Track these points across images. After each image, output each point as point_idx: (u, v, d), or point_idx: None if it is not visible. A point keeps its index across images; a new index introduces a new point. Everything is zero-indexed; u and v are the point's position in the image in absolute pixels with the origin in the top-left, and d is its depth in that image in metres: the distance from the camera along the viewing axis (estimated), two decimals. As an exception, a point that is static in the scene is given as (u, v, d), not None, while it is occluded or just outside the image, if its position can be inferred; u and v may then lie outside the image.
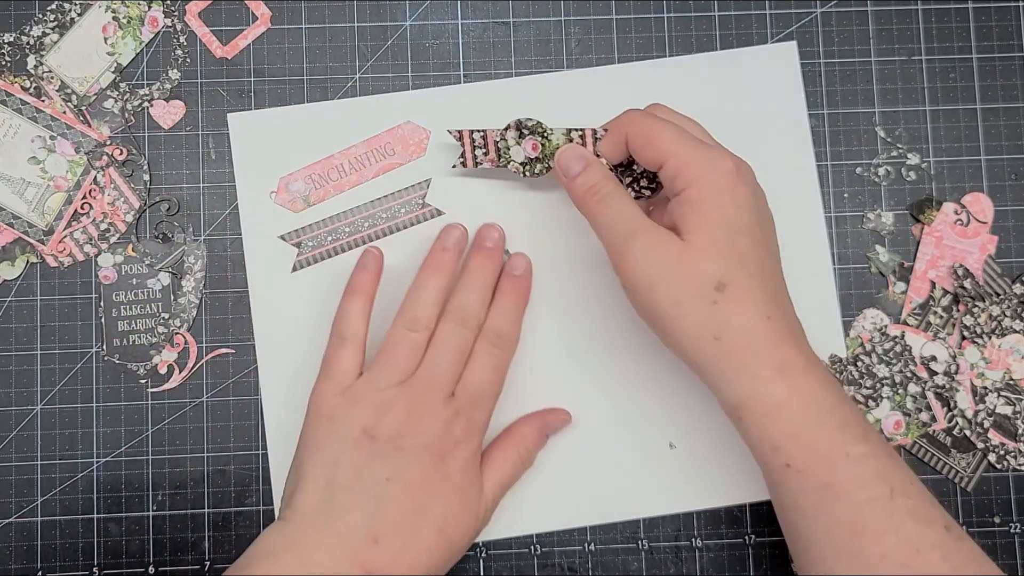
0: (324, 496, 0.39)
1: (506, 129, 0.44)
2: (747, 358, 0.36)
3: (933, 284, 0.47)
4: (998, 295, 0.46)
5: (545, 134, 0.44)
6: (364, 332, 0.43)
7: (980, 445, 0.46)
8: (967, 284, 0.46)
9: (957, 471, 0.46)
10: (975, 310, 0.46)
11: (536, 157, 0.44)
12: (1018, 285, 0.46)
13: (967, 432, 0.46)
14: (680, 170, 0.38)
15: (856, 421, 0.36)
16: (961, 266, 0.46)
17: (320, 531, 0.38)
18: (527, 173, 0.44)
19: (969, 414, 0.45)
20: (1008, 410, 0.46)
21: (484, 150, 0.45)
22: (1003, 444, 0.46)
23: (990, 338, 0.46)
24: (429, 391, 0.41)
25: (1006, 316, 0.46)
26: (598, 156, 0.42)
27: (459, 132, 0.44)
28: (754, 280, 0.37)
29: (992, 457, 0.46)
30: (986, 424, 0.44)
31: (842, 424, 0.36)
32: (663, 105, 0.42)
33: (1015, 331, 0.46)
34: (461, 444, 0.41)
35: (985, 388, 0.46)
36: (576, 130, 0.43)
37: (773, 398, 0.36)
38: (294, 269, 0.46)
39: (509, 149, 0.45)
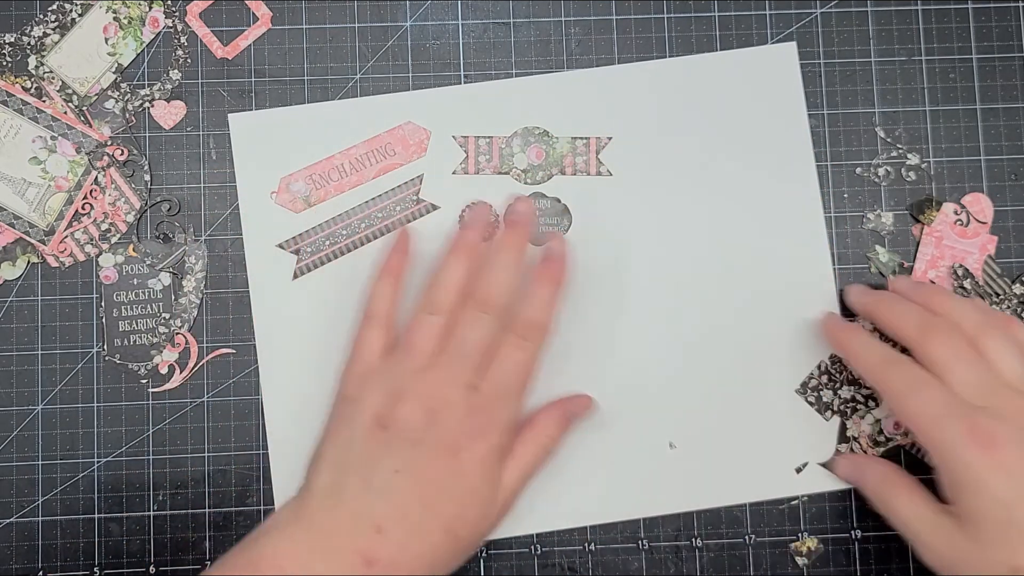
0: (335, 478, 0.39)
1: (512, 136, 0.44)
2: None
3: (932, 283, 0.47)
4: (998, 295, 0.46)
5: (550, 142, 0.44)
6: (392, 313, 0.42)
7: None
8: (967, 284, 0.46)
9: None
10: None
11: (538, 165, 0.44)
12: (1018, 285, 0.46)
13: None
14: (928, 447, 0.38)
15: None
16: (961, 266, 0.46)
17: (327, 513, 0.38)
18: (528, 181, 0.45)
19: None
20: None
21: (487, 156, 0.45)
22: None
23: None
24: (447, 382, 0.40)
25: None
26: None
27: (464, 138, 0.45)
28: None
29: None
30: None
31: None
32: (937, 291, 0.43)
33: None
34: (478, 441, 0.39)
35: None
36: (581, 139, 0.43)
37: None
38: (295, 276, 0.46)
39: (513, 156, 0.45)
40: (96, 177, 0.47)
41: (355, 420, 0.40)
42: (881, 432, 0.46)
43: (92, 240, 0.47)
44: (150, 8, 0.48)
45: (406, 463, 0.38)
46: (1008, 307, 0.46)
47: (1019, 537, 0.35)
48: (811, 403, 0.46)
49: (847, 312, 0.47)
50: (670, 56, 0.48)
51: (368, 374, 0.41)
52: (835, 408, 0.46)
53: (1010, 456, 0.36)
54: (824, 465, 0.45)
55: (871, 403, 0.46)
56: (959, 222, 0.47)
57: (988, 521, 0.36)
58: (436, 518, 0.38)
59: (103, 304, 0.46)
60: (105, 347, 0.46)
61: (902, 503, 0.40)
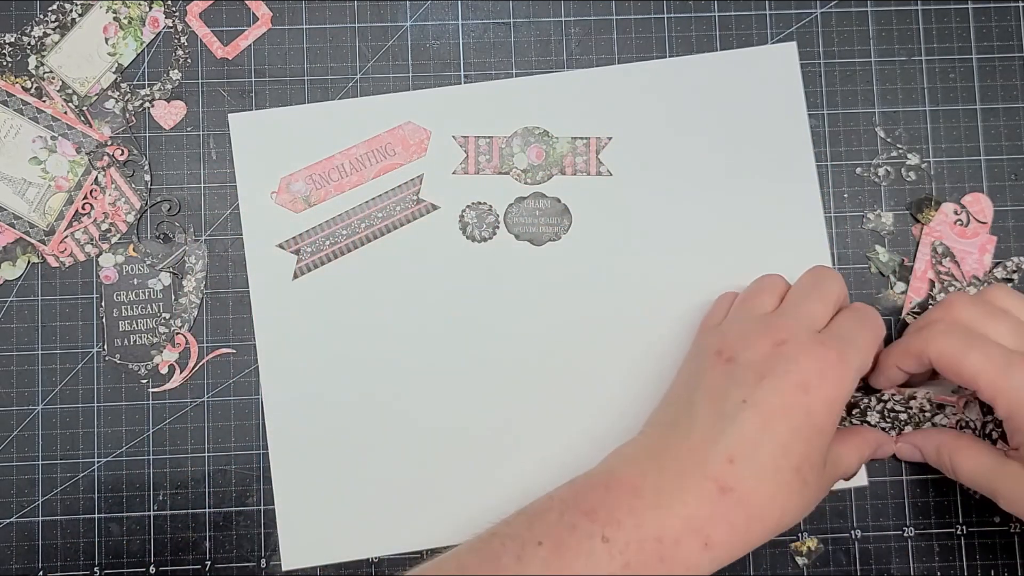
0: (683, 410, 0.39)
1: (512, 136, 0.44)
2: None
3: (932, 283, 0.47)
4: (978, 279, 0.46)
5: (550, 142, 0.44)
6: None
7: None
8: (945, 263, 0.46)
9: None
10: (950, 289, 0.46)
11: (538, 165, 0.44)
12: (999, 269, 0.46)
13: None
14: (995, 400, 0.38)
15: None
16: (941, 244, 0.46)
17: (677, 442, 0.38)
18: (528, 181, 0.45)
19: (977, 425, 0.45)
20: None
21: (487, 156, 0.45)
22: None
23: None
24: (792, 322, 0.39)
25: None
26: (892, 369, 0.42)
27: (464, 138, 0.45)
28: None
29: None
30: (994, 435, 0.44)
31: None
32: (998, 290, 0.42)
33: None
34: (828, 380, 0.37)
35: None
36: (581, 139, 0.43)
37: None
38: (295, 276, 0.46)
39: (513, 156, 0.45)
40: (96, 177, 0.47)
41: (700, 357, 0.40)
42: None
43: (92, 240, 0.47)
44: (150, 8, 0.48)
45: (753, 395, 0.37)
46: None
47: None
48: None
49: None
50: (670, 56, 0.48)
51: (716, 324, 0.42)
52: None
53: None
54: (893, 457, 0.45)
55: (869, 399, 0.46)
56: (959, 222, 0.47)
57: None
58: (786, 456, 0.37)
59: (103, 304, 0.46)
60: (105, 347, 0.46)
61: (965, 460, 0.41)
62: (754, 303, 0.42)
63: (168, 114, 0.47)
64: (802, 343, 0.38)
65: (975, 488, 0.41)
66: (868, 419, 0.43)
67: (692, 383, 0.40)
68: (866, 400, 0.44)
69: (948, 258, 0.46)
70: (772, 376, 0.37)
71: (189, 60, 0.48)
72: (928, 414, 0.43)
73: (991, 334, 0.40)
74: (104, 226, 0.47)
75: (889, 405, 0.43)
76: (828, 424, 0.38)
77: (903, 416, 0.43)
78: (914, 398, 0.43)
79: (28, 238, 0.47)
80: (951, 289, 0.46)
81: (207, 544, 0.46)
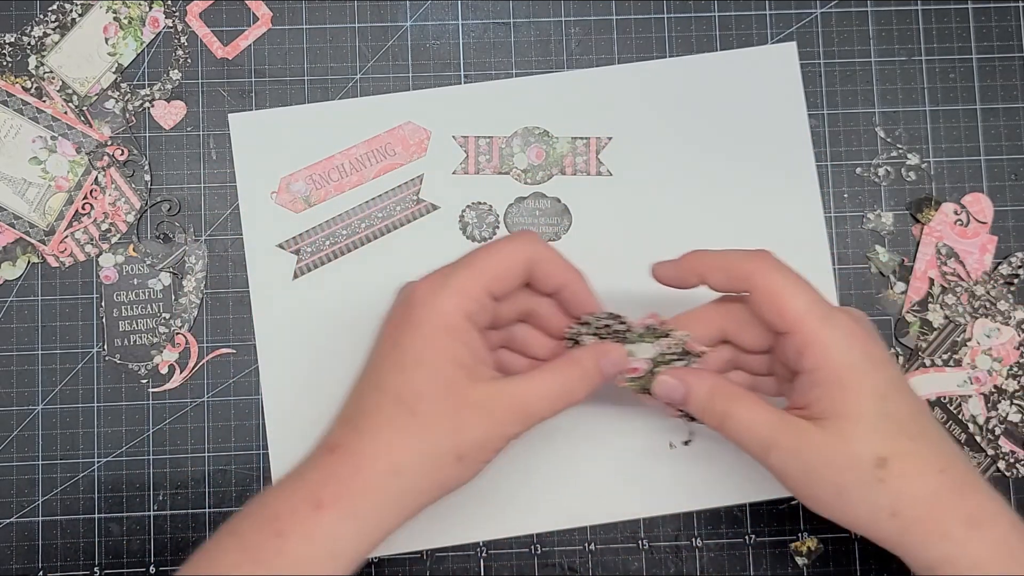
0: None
1: (512, 136, 0.44)
2: (931, 525, 0.34)
3: (932, 282, 0.47)
4: (988, 275, 0.46)
5: (550, 142, 0.44)
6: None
7: (991, 452, 0.46)
8: (949, 263, 0.46)
9: None
10: (957, 289, 0.46)
11: (538, 165, 0.44)
12: (1004, 266, 0.46)
13: (978, 438, 0.46)
14: (807, 347, 0.36)
15: None
16: (945, 244, 0.46)
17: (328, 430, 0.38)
18: (528, 181, 0.45)
19: (981, 420, 0.45)
20: (1019, 418, 0.46)
21: (488, 156, 0.45)
22: (1013, 452, 0.46)
23: (975, 319, 0.46)
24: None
25: (989, 295, 0.46)
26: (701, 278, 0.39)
27: (464, 138, 0.45)
28: (916, 439, 0.35)
29: (1001, 464, 0.46)
30: (997, 431, 0.44)
31: None
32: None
33: (1000, 312, 0.46)
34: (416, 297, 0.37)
35: (997, 395, 0.46)
36: (581, 139, 0.43)
37: (968, 559, 0.34)
38: (295, 276, 0.46)
39: (513, 156, 0.45)
40: (96, 177, 0.47)
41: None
42: None
43: (92, 240, 0.47)
44: (150, 8, 0.48)
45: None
46: (993, 287, 0.46)
47: (890, 428, 0.35)
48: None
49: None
50: (670, 56, 0.48)
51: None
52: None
53: (884, 352, 0.36)
54: (654, 390, 0.39)
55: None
56: (959, 222, 0.47)
57: (862, 414, 0.35)
58: (391, 393, 0.36)
59: (103, 304, 0.46)
60: (105, 347, 0.46)
61: (742, 409, 0.37)
62: None
63: (168, 114, 0.47)
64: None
65: (743, 444, 0.37)
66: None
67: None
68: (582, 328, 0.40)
69: (953, 258, 0.46)
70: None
71: (189, 60, 0.48)
72: (670, 357, 0.39)
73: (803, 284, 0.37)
74: (104, 226, 0.47)
75: (614, 327, 0.39)
76: (421, 350, 0.36)
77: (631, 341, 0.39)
78: (667, 336, 0.39)
79: (28, 238, 0.47)
80: (957, 290, 0.46)
81: (207, 544, 0.46)
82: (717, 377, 0.39)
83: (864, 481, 0.35)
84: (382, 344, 0.38)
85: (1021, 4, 0.48)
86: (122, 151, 0.47)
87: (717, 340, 0.40)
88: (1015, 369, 0.46)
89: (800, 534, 0.46)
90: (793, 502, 0.46)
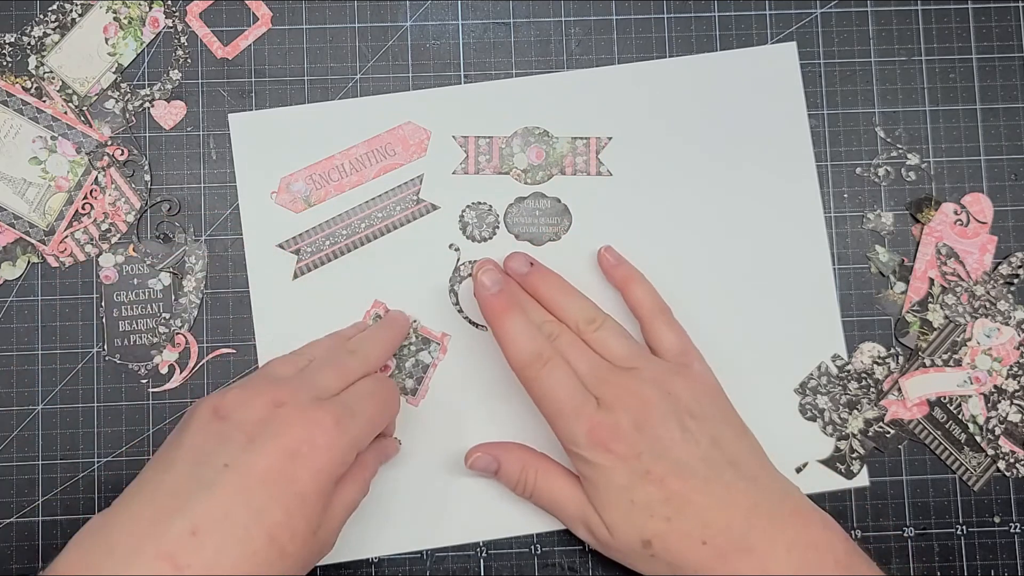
0: (157, 475, 0.35)
1: (512, 136, 0.44)
2: None
3: (932, 282, 0.47)
4: (988, 275, 0.46)
5: (550, 142, 0.44)
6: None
7: (991, 452, 0.46)
8: (949, 263, 0.46)
9: (967, 468, 0.46)
10: (957, 289, 0.46)
11: (538, 165, 0.44)
12: (1004, 266, 0.46)
13: (978, 438, 0.46)
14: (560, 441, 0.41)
15: None
16: (945, 244, 0.46)
17: (137, 511, 0.34)
18: (528, 181, 0.45)
19: (981, 420, 0.45)
20: (1019, 418, 0.46)
21: (488, 156, 0.45)
22: (1013, 452, 0.46)
23: (975, 319, 0.46)
24: (297, 384, 0.38)
25: (989, 295, 0.46)
26: None
27: (464, 138, 0.45)
28: (674, 519, 0.39)
29: (1001, 464, 0.46)
30: (997, 431, 0.44)
31: None
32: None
33: (1000, 312, 0.46)
34: (318, 448, 0.36)
35: (997, 395, 0.46)
36: (581, 139, 0.43)
37: None
38: (295, 276, 0.46)
39: (513, 156, 0.45)
40: (96, 177, 0.47)
41: (193, 415, 0.37)
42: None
43: (92, 240, 0.47)
44: (150, 8, 0.48)
45: (237, 458, 0.35)
46: (993, 287, 0.46)
47: (640, 515, 0.39)
48: (807, 407, 0.46)
49: (846, 314, 0.47)
50: (670, 56, 0.48)
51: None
52: (826, 419, 0.46)
53: (623, 446, 0.39)
54: (468, 465, 0.44)
55: (864, 403, 0.46)
56: (959, 222, 0.47)
57: (615, 508, 0.40)
58: (258, 522, 0.34)
59: (103, 304, 0.46)
60: (105, 347, 0.46)
61: (553, 487, 0.42)
62: (283, 361, 0.41)
63: (168, 114, 0.47)
64: (301, 406, 0.37)
65: (550, 512, 0.43)
66: None
67: (176, 442, 0.36)
68: None
69: (953, 258, 0.46)
70: (261, 438, 0.35)
71: (189, 60, 0.48)
72: (413, 347, 0.45)
73: (573, 365, 0.42)
74: (104, 226, 0.47)
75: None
76: (314, 493, 0.35)
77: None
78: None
79: (28, 238, 0.47)
80: (957, 290, 0.46)
81: (207, 544, 0.45)
82: (528, 453, 0.44)
83: (641, 557, 0.40)
84: (278, 474, 0.36)
85: (1021, 4, 0.48)
86: (122, 151, 0.47)
87: None
88: (1015, 369, 0.46)
89: (800, 534, 0.46)
90: (793, 502, 0.46)
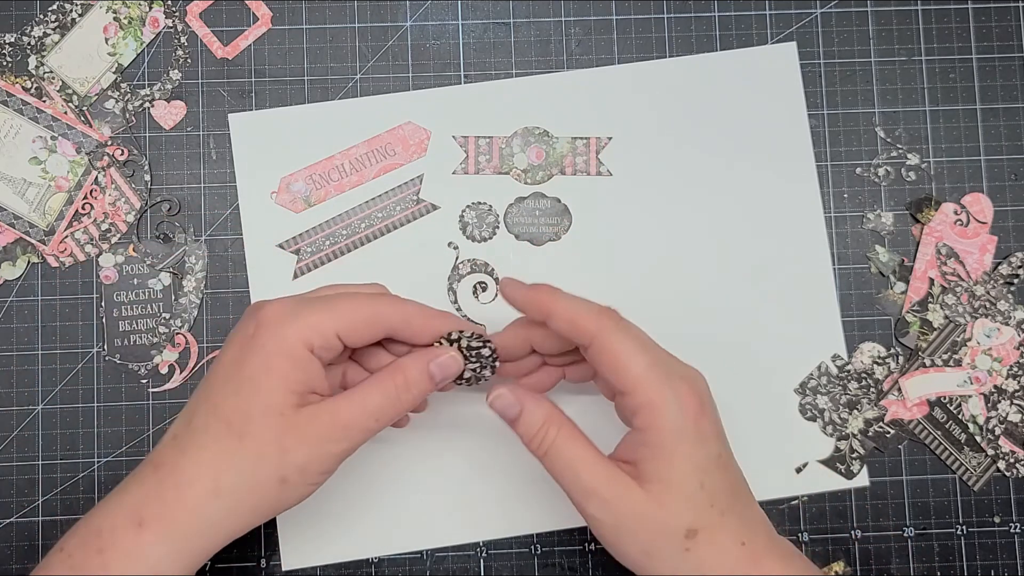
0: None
1: (512, 136, 0.44)
2: None
3: (932, 282, 0.47)
4: (988, 275, 0.46)
5: (550, 142, 0.44)
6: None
7: (990, 452, 0.46)
8: (949, 263, 0.46)
9: (967, 468, 0.46)
10: (957, 289, 0.46)
11: (538, 165, 0.44)
12: (1004, 266, 0.46)
13: (978, 438, 0.46)
14: (642, 407, 0.36)
15: None
16: (945, 244, 0.46)
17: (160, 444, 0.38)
18: (528, 181, 0.45)
19: (981, 420, 0.46)
20: (1019, 418, 0.46)
21: (488, 156, 0.45)
22: (1013, 452, 0.46)
23: (975, 319, 0.46)
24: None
25: (989, 295, 0.46)
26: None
27: (464, 138, 0.45)
28: (727, 514, 0.36)
29: (1001, 464, 0.46)
30: (997, 431, 0.44)
31: None
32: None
33: (1000, 312, 0.46)
34: (271, 311, 0.37)
35: (997, 395, 0.46)
36: (581, 139, 0.43)
37: None
38: (295, 276, 0.46)
39: (513, 156, 0.45)
40: (96, 177, 0.47)
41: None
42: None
43: (92, 240, 0.47)
44: (150, 8, 0.48)
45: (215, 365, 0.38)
46: (993, 287, 0.46)
47: (704, 501, 0.36)
48: (807, 407, 0.46)
49: (847, 314, 0.47)
50: (670, 56, 0.48)
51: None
52: (826, 419, 0.46)
53: (713, 426, 0.37)
54: (489, 402, 0.39)
55: (864, 403, 0.46)
56: (959, 222, 0.47)
57: (681, 485, 0.36)
58: (215, 413, 0.36)
59: (103, 304, 0.46)
60: (105, 347, 0.46)
61: (572, 447, 0.37)
62: None
63: (168, 114, 0.47)
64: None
65: (562, 482, 0.37)
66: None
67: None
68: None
69: (953, 258, 0.46)
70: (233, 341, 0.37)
71: (189, 60, 0.48)
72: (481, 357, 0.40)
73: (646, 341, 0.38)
74: (104, 226, 0.47)
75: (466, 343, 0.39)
76: (257, 373, 0.36)
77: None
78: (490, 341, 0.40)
79: (28, 238, 0.47)
80: (957, 290, 0.46)
81: (207, 544, 0.45)
82: (554, 408, 0.38)
83: (672, 548, 0.36)
84: (221, 361, 0.37)
85: (1021, 4, 0.49)
86: (122, 151, 0.47)
87: (526, 351, 0.41)
88: (1015, 369, 0.46)
89: (800, 534, 0.46)
90: (793, 502, 0.46)
